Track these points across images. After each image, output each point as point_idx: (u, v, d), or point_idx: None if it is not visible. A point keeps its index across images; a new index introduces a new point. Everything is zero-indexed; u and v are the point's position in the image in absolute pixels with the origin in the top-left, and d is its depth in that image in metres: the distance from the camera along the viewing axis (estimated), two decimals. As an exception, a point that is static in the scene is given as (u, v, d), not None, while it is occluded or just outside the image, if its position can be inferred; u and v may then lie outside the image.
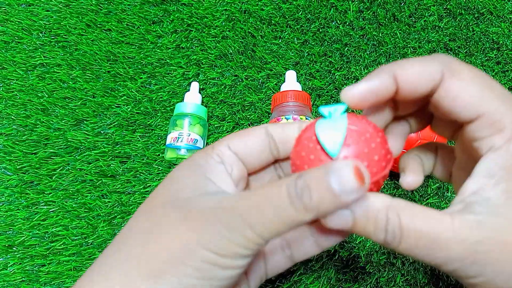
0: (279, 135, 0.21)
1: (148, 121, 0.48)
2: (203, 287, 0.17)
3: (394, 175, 0.45)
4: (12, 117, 0.48)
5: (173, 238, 0.17)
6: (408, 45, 0.51)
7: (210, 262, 0.16)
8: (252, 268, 0.21)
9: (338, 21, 0.53)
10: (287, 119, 0.43)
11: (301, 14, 0.53)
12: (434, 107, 0.19)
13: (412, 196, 0.44)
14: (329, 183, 0.16)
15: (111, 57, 0.51)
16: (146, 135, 0.47)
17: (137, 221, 0.19)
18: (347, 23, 0.53)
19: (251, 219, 0.16)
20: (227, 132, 0.48)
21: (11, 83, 0.50)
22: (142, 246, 0.17)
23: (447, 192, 0.45)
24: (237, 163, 0.20)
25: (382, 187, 0.46)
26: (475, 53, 0.51)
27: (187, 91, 0.48)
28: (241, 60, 0.51)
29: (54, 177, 0.46)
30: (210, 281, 0.17)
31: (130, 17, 0.53)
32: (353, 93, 0.17)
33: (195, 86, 0.48)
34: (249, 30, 0.52)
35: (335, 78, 0.50)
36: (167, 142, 0.45)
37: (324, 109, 0.19)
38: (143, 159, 0.46)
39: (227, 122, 0.48)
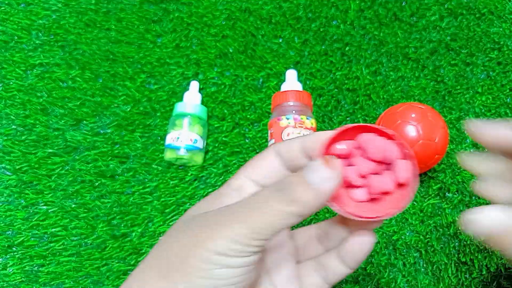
0: (286, 154, 0.22)
1: (148, 121, 0.48)
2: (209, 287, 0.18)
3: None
4: (11, 117, 0.48)
5: (178, 245, 0.19)
6: (410, 45, 0.51)
7: (209, 261, 0.18)
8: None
9: (339, 20, 0.52)
10: (287, 118, 0.43)
11: (301, 13, 0.53)
12: None
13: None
14: (305, 176, 0.18)
15: (110, 56, 0.51)
16: (146, 135, 0.47)
17: (164, 236, 0.22)
18: (348, 23, 0.52)
19: (242, 215, 0.18)
20: (227, 132, 0.47)
21: (10, 82, 0.50)
22: (158, 255, 0.20)
23: (448, 193, 0.45)
24: (256, 188, 0.22)
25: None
26: (476, 53, 0.50)
27: (186, 91, 0.48)
28: (241, 59, 0.51)
29: (53, 177, 0.45)
30: (215, 281, 0.18)
31: (129, 16, 0.53)
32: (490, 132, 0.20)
33: (194, 85, 0.48)
34: (249, 29, 0.52)
35: (336, 77, 0.50)
36: (167, 142, 0.44)
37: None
38: (142, 159, 0.46)
39: (227, 122, 0.48)
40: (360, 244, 0.21)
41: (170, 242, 0.20)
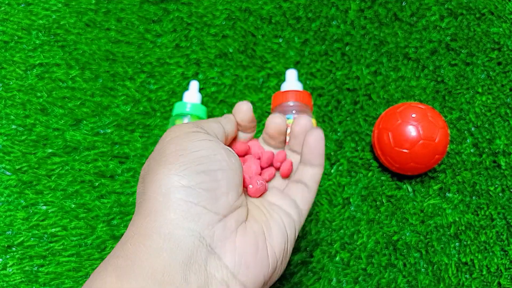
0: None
1: (147, 121, 0.48)
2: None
3: (396, 175, 0.45)
4: (11, 117, 0.48)
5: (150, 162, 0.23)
6: (410, 45, 0.51)
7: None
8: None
9: (339, 20, 0.52)
10: (287, 118, 0.42)
11: (301, 13, 0.53)
12: None
13: (413, 197, 0.44)
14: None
15: (110, 56, 0.51)
16: (145, 135, 0.47)
17: None
18: (348, 22, 0.52)
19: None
20: (227, 132, 0.47)
21: (10, 82, 0.50)
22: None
23: (449, 193, 0.44)
24: None
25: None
26: (477, 54, 0.50)
27: (186, 91, 0.48)
28: (241, 59, 0.51)
29: (53, 177, 0.45)
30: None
31: (129, 16, 0.53)
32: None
33: (194, 85, 0.48)
34: (249, 29, 0.52)
35: (336, 77, 0.50)
36: (167, 142, 0.44)
37: None
38: (142, 159, 0.46)
39: (227, 122, 0.48)
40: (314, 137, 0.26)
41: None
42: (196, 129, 0.22)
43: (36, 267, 0.42)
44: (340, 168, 0.46)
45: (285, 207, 0.25)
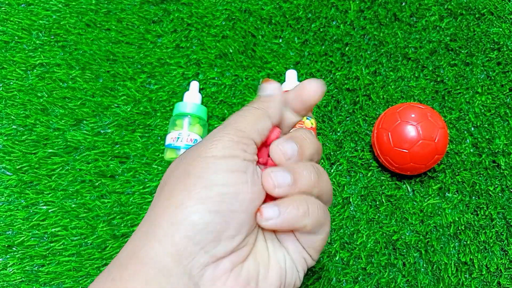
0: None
1: (148, 121, 0.48)
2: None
3: (396, 175, 0.45)
4: (12, 117, 0.48)
5: (180, 169, 0.22)
6: (409, 45, 0.51)
7: (206, 168, 0.20)
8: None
9: (338, 21, 0.53)
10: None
11: (301, 14, 0.53)
12: None
13: (413, 197, 0.44)
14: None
15: (111, 56, 0.51)
16: (146, 135, 0.47)
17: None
18: (348, 23, 0.52)
19: (229, 126, 0.21)
20: (227, 132, 0.48)
21: (11, 83, 0.50)
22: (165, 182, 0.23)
23: (448, 193, 0.45)
24: None
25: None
26: (476, 54, 0.50)
27: (186, 91, 0.48)
28: (241, 59, 0.51)
29: (53, 177, 0.45)
30: (218, 187, 0.19)
31: (129, 16, 0.53)
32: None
33: (194, 85, 0.48)
34: (249, 30, 0.52)
35: (336, 77, 0.50)
36: (167, 142, 0.44)
37: None
38: (142, 159, 0.46)
39: (227, 122, 0.48)
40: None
41: (172, 170, 0.22)
42: (236, 150, 0.20)
43: (36, 267, 0.42)
44: (339, 168, 0.46)
45: (292, 252, 0.22)
